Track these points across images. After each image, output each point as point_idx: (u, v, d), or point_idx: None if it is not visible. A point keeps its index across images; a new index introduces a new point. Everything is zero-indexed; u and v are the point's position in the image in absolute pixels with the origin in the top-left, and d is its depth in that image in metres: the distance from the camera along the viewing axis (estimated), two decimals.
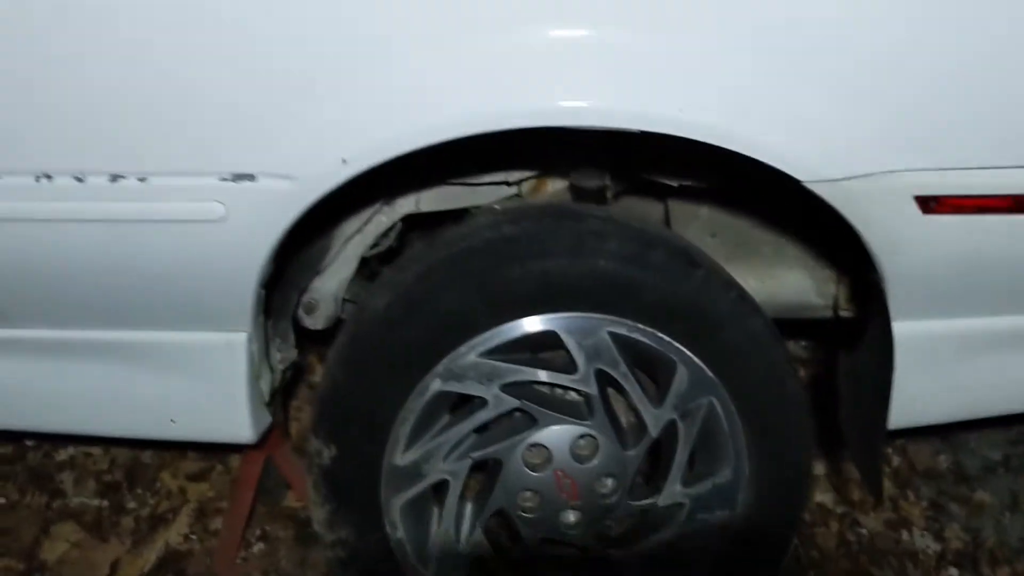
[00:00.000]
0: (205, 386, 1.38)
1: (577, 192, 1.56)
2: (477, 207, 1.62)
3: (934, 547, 1.95)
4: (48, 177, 1.17)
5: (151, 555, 1.84)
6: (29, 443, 2.11)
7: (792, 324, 1.81)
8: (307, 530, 1.86)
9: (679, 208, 1.70)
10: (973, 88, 1.10)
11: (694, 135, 1.09)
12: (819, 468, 2.12)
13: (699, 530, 1.45)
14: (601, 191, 1.55)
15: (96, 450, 2.09)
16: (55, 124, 1.14)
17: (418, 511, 1.44)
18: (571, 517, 1.43)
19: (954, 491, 2.10)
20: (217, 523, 1.90)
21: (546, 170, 1.58)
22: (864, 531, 1.99)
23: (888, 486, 2.10)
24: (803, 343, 2.47)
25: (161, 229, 1.20)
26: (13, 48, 1.09)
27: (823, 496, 2.06)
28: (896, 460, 2.17)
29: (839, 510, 2.03)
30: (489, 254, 1.30)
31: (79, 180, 1.17)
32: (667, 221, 1.71)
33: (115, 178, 1.16)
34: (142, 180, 1.16)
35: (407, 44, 1.08)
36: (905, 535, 1.98)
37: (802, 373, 2.37)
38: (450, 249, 1.32)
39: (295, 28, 1.07)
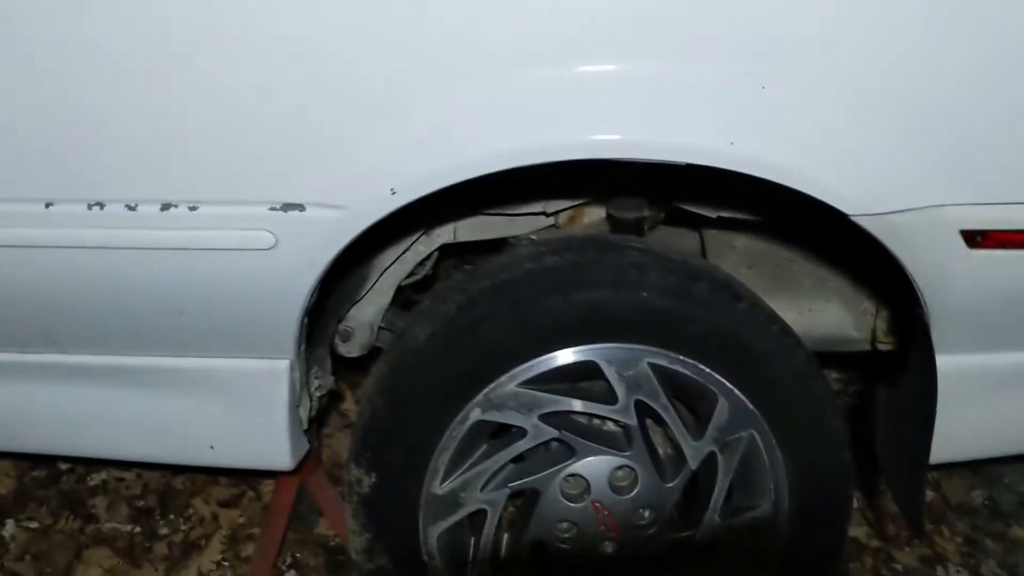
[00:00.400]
0: (247, 413, 1.39)
1: (615, 223, 1.57)
2: (515, 237, 1.63)
3: None
4: (100, 205, 1.19)
5: None
6: (63, 467, 2.12)
7: (827, 356, 1.81)
8: (338, 558, 1.86)
9: (715, 239, 1.71)
10: (1019, 124, 1.10)
11: (743, 168, 1.09)
12: (854, 502, 2.09)
13: (736, 564, 1.45)
14: (639, 222, 1.55)
15: (129, 475, 2.10)
16: (108, 152, 1.16)
17: (455, 541, 1.43)
18: (609, 549, 1.42)
19: (989, 527, 2.08)
20: (249, 549, 1.89)
21: (584, 200, 1.58)
22: (899, 567, 1.96)
23: None
24: (836, 375, 2.46)
25: (210, 257, 1.21)
26: (70, 79, 1.11)
27: (857, 530, 2.03)
28: (930, 495, 2.15)
29: (873, 544, 2.01)
30: (531, 285, 1.30)
31: (131, 208, 1.18)
32: (703, 252, 1.71)
33: (166, 207, 1.18)
34: (193, 208, 1.18)
35: (455, 78, 1.09)
36: (940, 571, 1.95)
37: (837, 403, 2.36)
38: (493, 279, 1.33)
39: (345, 59, 1.08)
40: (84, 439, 1.49)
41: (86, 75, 1.11)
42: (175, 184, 1.17)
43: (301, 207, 1.16)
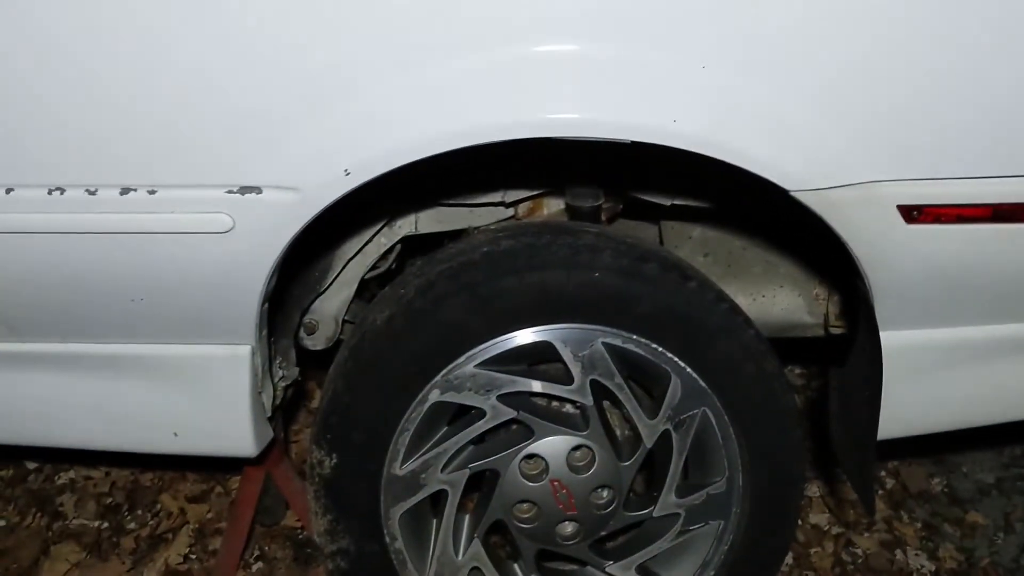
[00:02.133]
0: (208, 398, 1.40)
1: (573, 212, 1.60)
2: (475, 228, 1.66)
3: (929, 567, 1.97)
4: (60, 190, 1.21)
5: (151, 575, 1.85)
6: (30, 466, 2.12)
7: (787, 348, 1.85)
8: (305, 550, 1.88)
9: (672, 229, 1.75)
10: (953, 99, 1.13)
11: (684, 145, 1.13)
12: (814, 490, 2.14)
13: (693, 541, 1.48)
14: (596, 210, 1.59)
15: (97, 473, 2.10)
16: (67, 138, 1.18)
17: (417, 521, 1.46)
18: (568, 528, 1.45)
19: (948, 512, 2.12)
20: (216, 543, 1.91)
21: (541, 190, 1.62)
22: (859, 551, 2.00)
23: (882, 507, 2.11)
24: (797, 369, 2.51)
25: (170, 241, 1.23)
26: (25, 64, 1.13)
27: (818, 517, 2.07)
28: (890, 482, 2.19)
29: (834, 531, 2.05)
30: (487, 267, 1.33)
31: (91, 193, 1.20)
32: (661, 241, 1.75)
33: (125, 191, 1.20)
34: (152, 192, 1.20)
35: (407, 58, 1.12)
36: (900, 555, 1.99)
37: (798, 397, 2.40)
38: (450, 263, 1.35)
39: (298, 41, 1.11)
40: (45, 429, 1.49)
41: (43, 61, 1.13)
42: (134, 168, 1.19)
43: (258, 190, 1.19)
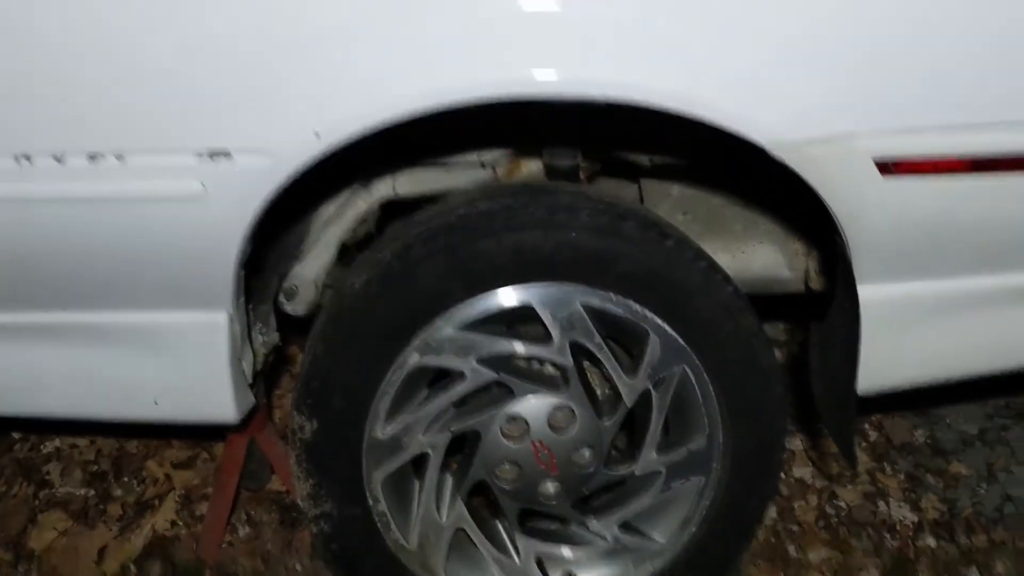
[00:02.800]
0: (188, 366, 1.40)
1: (551, 172, 1.59)
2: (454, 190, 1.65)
3: (911, 518, 1.99)
4: (28, 158, 1.19)
5: (138, 541, 1.86)
6: (16, 436, 2.13)
7: (770, 304, 1.85)
8: (291, 514, 1.89)
9: (652, 188, 1.74)
10: (926, 50, 1.13)
11: (658, 103, 1.12)
12: (797, 444, 2.15)
13: (675, 497, 1.49)
14: (574, 170, 1.58)
15: (82, 441, 2.11)
16: (34, 106, 1.16)
17: (400, 484, 1.46)
18: (550, 487, 1.46)
19: (930, 464, 2.14)
20: (202, 509, 1.92)
21: (520, 150, 1.61)
22: (843, 504, 2.02)
23: (866, 460, 2.14)
24: (781, 325, 2.51)
25: (141, 208, 1.22)
26: None
27: (802, 471, 2.09)
28: (873, 435, 2.21)
29: (818, 484, 2.07)
30: (464, 229, 1.33)
31: (58, 160, 1.19)
32: (640, 200, 1.74)
33: (93, 157, 1.18)
34: (120, 159, 1.18)
35: (376, 17, 1.10)
36: (883, 506, 2.02)
37: (781, 353, 2.41)
38: (427, 225, 1.35)
39: (265, 3, 1.09)
40: (26, 399, 1.49)
41: (5, 28, 1.11)
42: (101, 134, 1.17)
43: (228, 154, 1.17)
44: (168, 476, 2.01)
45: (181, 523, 1.90)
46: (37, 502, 1.96)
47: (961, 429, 2.25)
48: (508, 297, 1.35)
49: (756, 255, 1.67)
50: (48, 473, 2.03)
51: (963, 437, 2.22)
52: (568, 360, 1.38)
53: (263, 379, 1.65)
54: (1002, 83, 1.15)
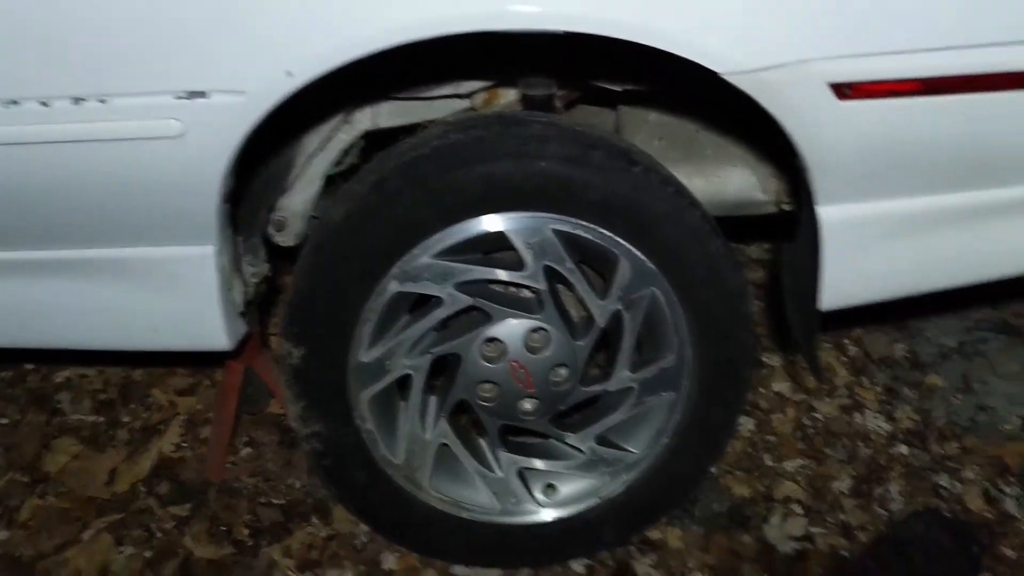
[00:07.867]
0: (181, 297, 1.46)
1: (528, 101, 1.63)
2: (433, 121, 1.69)
3: (885, 427, 2.06)
4: (15, 103, 1.24)
5: (146, 463, 1.96)
6: (28, 367, 2.21)
7: (752, 226, 1.90)
8: (290, 435, 1.98)
9: (629, 115, 1.77)
10: None
11: (615, 33, 1.15)
12: (776, 360, 2.22)
13: (648, 412, 1.57)
14: (550, 99, 1.61)
15: (91, 371, 2.19)
16: (19, 51, 1.21)
17: (386, 404, 1.54)
18: (528, 405, 1.53)
19: (908, 376, 2.20)
20: (206, 432, 2.01)
21: (496, 81, 1.64)
22: (819, 416, 2.10)
23: (844, 374, 2.20)
24: (765, 245, 2.56)
25: (124, 148, 1.27)
26: None
27: (780, 385, 2.16)
28: (852, 349, 2.27)
29: (796, 398, 2.14)
30: (438, 160, 1.37)
31: (44, 104, 1.24)
32: (617, 128, 1.78)
33: (77, 100, 1.23)
34: (103, 101, 1.23)
35: None
36: (858, 418, 2.09)
37: (763, 273, 2.47)
38: (402, 157, 1.39)
39: None
40: (35, 331, 1.56)
41: None
42: (84, 77, 1.22)
43: (204, 94, 1.22)
44: (172, 402, 2.09)
45: (186, 445, 1.99)
46: (50, 428, 2.05)
47: (940, 342, 2.29)
48: (482, 225, 1.40)
49: (730, 179, 1.71)
50: (59, 402, 2.12)
51: (942, 350, 2.27)
52: (542, 284, 1.44)
53: (256, 308, 1.71)
54: (950, 7, 1.18)
